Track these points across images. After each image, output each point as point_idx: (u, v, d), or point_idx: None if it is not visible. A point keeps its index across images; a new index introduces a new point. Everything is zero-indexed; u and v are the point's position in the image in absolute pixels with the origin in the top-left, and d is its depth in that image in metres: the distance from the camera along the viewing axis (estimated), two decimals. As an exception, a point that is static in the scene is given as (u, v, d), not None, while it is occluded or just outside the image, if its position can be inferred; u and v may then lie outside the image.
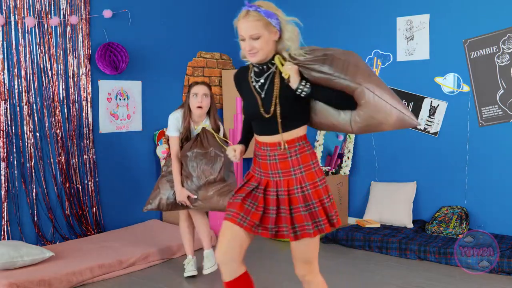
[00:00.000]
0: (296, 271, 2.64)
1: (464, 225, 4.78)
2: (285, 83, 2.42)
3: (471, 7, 5.01)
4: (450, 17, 5.13)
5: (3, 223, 4.34)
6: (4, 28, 4.36)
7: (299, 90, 2.39)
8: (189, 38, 5.93)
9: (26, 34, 4.48)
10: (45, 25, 4.59)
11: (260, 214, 2.44)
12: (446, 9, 5.16)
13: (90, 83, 4.91)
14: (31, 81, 4.52)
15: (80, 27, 4.83)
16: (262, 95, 2.47)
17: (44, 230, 4.60)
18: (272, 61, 2.48)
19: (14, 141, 4.42)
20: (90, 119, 4.92)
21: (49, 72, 4.63)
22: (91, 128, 4.93)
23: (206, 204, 3.81)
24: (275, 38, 2.45)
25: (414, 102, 5.38)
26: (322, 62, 2.40)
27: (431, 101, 5.27)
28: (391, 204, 5.27)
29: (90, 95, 4.92)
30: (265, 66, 2.48)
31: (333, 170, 5.69)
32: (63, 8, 4.70)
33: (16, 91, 4.44)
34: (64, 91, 4.73)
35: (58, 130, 4.68)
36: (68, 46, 4.75)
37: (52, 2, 4.63)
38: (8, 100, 4.39)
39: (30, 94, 4.51)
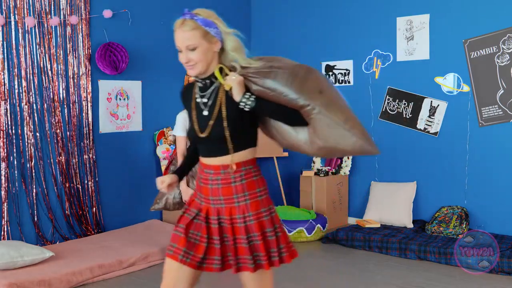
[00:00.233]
0: None
1: (464, 225, 4.78)
2: (231, 99, 2.18)
3: (471, 7, 5.01)
4: (450, 17, 5.13)
5: (3, 223, 4.34)
6: (4, 28, 4.36)
7: (242, 103, 2.15)
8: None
9: (26, 34, 4.48)
10: (45, 25, 4.59)
11: (204, 247, 2.25)
12: (446, 9, 5.16)
13: (90, 83, 4.91)
14: (31, 81, 4.52)
15: (80, 27, 4.83)
16: (205, 112, 2.24)
17: (44, 230, 4.60)
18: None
19: (14, 141, 4.42)
20: (90, 119, 4.92)
21: (49, 72, 4.63)
22: (91, 128, 4.93)
23: None
24: (215, 49, 2.20)
25: (414, 102, 5.38)
26: (264, 75, 2.16)
27: (431, 101, 5.27)
28: (391, 204, 5.27)
29: (90, 95, 4.92)
30: (208, 81, 2.24)
31: (333, 170, 5.69)
32: (63, 8, 4.70)
33: (16, 91, 4.44)
34: (64, 91, 4.73)
35: (58, 130, 4.68)
36: (68, 46, 4.75)
37: (52, 2, 4.63)
38: (8, 100, 4.39)
39: (30, 94, 4.51)
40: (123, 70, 5.07)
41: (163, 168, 5.43)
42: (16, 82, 4.43)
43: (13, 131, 4.41)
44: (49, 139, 4.63)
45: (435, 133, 5.25)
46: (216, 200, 2.24)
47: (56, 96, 4.67)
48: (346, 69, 5.87)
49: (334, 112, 2.18)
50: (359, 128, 2.19)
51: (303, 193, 5.66)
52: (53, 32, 4.65)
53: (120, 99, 5.20)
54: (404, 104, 5.44)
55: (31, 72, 4.52)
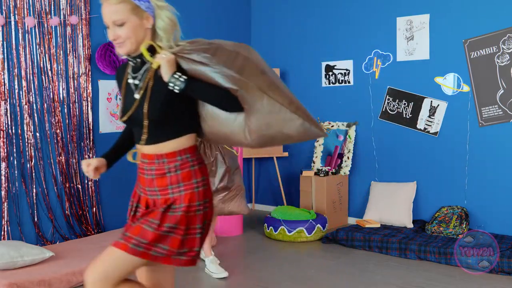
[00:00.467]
0: None
1: (464, 225, 4.78)
2: (161, 80, 2.01)
3: (471, 7, 5.01)
4: (450, 17, 5.13)
5: (3, 223, 4.34)
6: (4, 28, 4.36)
7: (171, 84, 1.96)
8: (189, 38, 5.91)
9: (26, 34, 4.48)
10: (45, 25, 4.59)
11: None
12: (446, 9, 5.16)
13: (90, 83, 4.91)
14: (31, 81, 4.52)
15: (80, 27, 4.83)
16: (135, 95, 2.05)
17: (44, 230, 4.60)
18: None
19: (14, 141, 4.42)
20: (90, 119, 4.92)
21: (49, 72, 4.63)
22: (91, 128, 4.93)
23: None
24: (147, 25, 2.05)
25: (414, 102, 5.38)
26: (203, 51, 2.03)
27: (431, 101, 5.27)
28: (391, 204, 5.27)
29: (90, 95, 4.92)
30: (139, 60, 2.06)
31: (333, 170, 5.69)
32: (63, 8, 4.70)
33: (16, 91, 4.43)
34: (64, 91, 4.73)
35: (58, 130, 4.68)
36: (68, 46, 4.75)
37: (52, 2, 4.63)
38: (8, 100, 4.38)
39: (30, 94, 4.51)
40: (123, 70, 5.06)
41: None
42: (16, 82, 4.43)
43: (13, 131, 4.41)
44: (49, 139, 4.63)
45: (435, 133, 5.26)
46: (152, 191, 2.10)
47: (56, 96, 4.67)
48: (346, 69, 5.87)
49: (278, 94, 1.96)
50: (304, 110, 1.99)
51: (303, 193, 5.66)
52: (53, 32, 4.65)
53: (120, 99, 5.20)
54: (404, 104, 5.44)
55: (31, 72, 4.51)
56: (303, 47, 6.22)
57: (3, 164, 4.34)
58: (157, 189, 2.08)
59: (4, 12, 4.35)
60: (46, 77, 4.62)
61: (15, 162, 4.42)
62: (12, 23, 4.40)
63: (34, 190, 4.52)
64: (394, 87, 5.51)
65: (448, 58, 5.15)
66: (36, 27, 4.53)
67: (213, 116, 2.05)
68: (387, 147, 5.60)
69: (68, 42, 4.75)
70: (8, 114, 4.38)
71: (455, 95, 5.14)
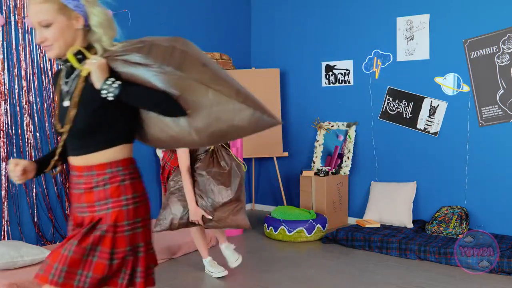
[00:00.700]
0: None
1: (464, 225, 4.78)
2: (92, 87, 1.83)
3: (471, 7, 5.01)
4: (450, 17, 5.14)
5: (3, 223, 4.34)
6: (4, 28, 4.36)
7: (104, 92, 1.78)
8: (189, 38, 5.86)
9: (26, 34, 4.48)
10: (45, 25, 4.59)
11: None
12: (446, 9, 5.16)
13: (90, 83, 4.91)
14: (31, 81, 4.52)
15: (80, 27, 4.83)
16: (65, 102, 1.88)
17: (44, 230, 4.60)
18: (79, 56, 1.88)
19: (14, 141, 4.42)
20: (90, 119, 4.92)
21: (49, 72, 4.63)
22: (91, 128, 4.92)
23: (219, 224, 3.69)
24: (77, 26, 1.89)
25: (414, 102, 5.38)
26: (137, 51, 1.87)
27: (431, 101, 5.27)
28: (391, 204, 5.27)
29: (90, 95, 4.92)
30: (69, 64, 1.90)
31: (333, 170, 5.69)
32: (63, 8, 4.70)
33: (16, 91, 4.43)
34: (64, 91, 4.73)
35: (58, 130, 4.68)
36: (68, 46, 4.75)
37: (52, 2, 4.63)
38: (8, 100, 4.38)
39: (30, 94, 4.51)
40: (123, 70, 5.06)
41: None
42: (16, 82, 4.43)
43: (13, 131, 4.41)
44: (49, 139, 4.63)
45: (435, 133, 5.26)
46: (81, 207, 1.89)
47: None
48: (346, 69, 5.87)
49: (223, 85, 1.81)
50: (253, 99, 1.84)
51: (303, 193, 5.66)
52: (53, 32, 4.65)
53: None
54: (404, 104, 5.44)
55: (31, 72, 4.51)
56: (303, 47, 6.22)
57: (3, 164, 4.34)
58: (85, 205, 1.87)
59: (4, 12, 4.35)
60: (46, 77, 4.62)
61: (15, 162, 4.42)
62: (12, 23, 4.40)
63: (34, 190, 4.52)
64: (394, 87, 5.51)
65: (448, 58, 5.15)
66: (36, 27, 4.53)
67: (156, 121, 1.88)
68: (387, 147, 5.60)
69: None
70: (8, 114, 4.38)
71: (455, 95, 5.14)
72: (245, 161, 6.59)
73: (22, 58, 4.46)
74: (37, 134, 4.55)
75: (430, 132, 5.29)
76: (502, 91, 4.86)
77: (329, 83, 6.02)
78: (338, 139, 5.86)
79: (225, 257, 4.05)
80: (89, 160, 1.86)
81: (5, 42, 4.36)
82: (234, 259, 4.01)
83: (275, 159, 6.23)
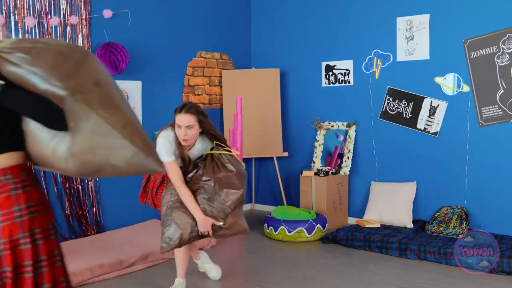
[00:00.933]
0: None
1: (464, 225, 4.78)
2: None
3: (471, 7, 5.01)
4: (450, 17, 5.13)
5: (3, 223, 4.34)
6: (4, 28, 4.35)
7: None
8: (189, 38, 5.93)
9: (26, 34, 4.48)
10: (45, 25, 4.59)
11: None
12: (446, 9, 5.16)
13: (90, 83, 4.91)
14: (31, 81, 4.52)
15: (80, 27, 4.83)
16: None
17: (44, 230, 4.60)
18: None
19: (14, 141, 4.42)
20: (90, 119, 4.91)
21: (49, 72, 4.63)
22: (91, 128, 4.92)
23: (229, 231, 3.45)
24: None
25: (414, 102, 5.38)
26: (24, 51, 1.62)
27: (431, 101, 5.27)
28: (391, 204, 5.27)
29: (90, 95, 4.92)
30: None
31: (333, 170, 5.69)
32: (63, 8, 4.70)
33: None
34: (64, 91, 4.73)
35: (58, 130, 4.67)
36: (68, 46, 4.75)
37: (52, 2, 4.63)
38: (8, 100, 4.38)
39: (30, 94, 4.51)
40: (123, 70, 5.07)
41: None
42: (16, 82, 4.43)
43: (13, 131, 4.41)
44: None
45: (435, 133, 5.25)
46: None
47: (56, 96, 4.66)
48: (346, 69, 5.87)
49: (111, 113, 1.61)
50: (141, 137, 1.64)
51: (303, 193, 5.66)
52: (53, 32, 4.65)
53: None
54: (404, 104, 5.44)
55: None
56: (303, 47, 6.22)
57: (3, 164, 4.34)
58: None
59: (4, 12, 4.35)
60: (46, 77, 4.61)
61: (15, 162, 4.42)
62: (12, 23, 4.40)
63: (34, 190, 4.52)
64: (394, 87, 5.51)
65: (448, 58, 5.15)
66: (36, 27, 4.53)
67: (33, 134, 1.70)
68: (387, 147, 5.60)
69: (68, 42, 4.75)
70: (8, 114, 4.38)
71: (455, 95, 5.14)
72: (245, 161, 6.59)
73: (22, 58, 4.46)
74: (37, 134, 4.55)
75: (430, 132, 5.29)
76: (502, 91, 4.86)
77: (329, 83, 6.02)
78: (338, 139, 5.86)
79: (206, 271, 3.90)
80: None
81: (5, 42, 4.36)
82: (215, 272, 3.87)
83: (275, 159, 6.23)
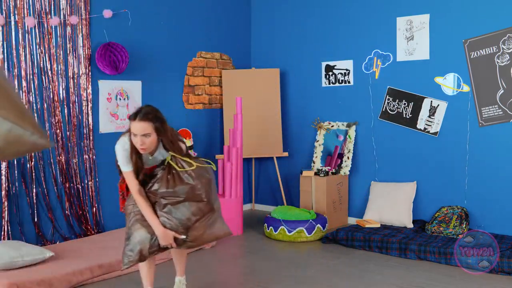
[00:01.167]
0: None
1: (464, 225, 4.78)
2: None
3: (471, 7, 5.01)
4: (450, 17, 5.13)
5: (3, 223, 4.34)
6: (4, 28, 4.36)
7: None
8: (189, 38, 5.93)
9: (26, 34, 4.48)
10: (45, 25, 4.59)
11: None
12: (446, 9, 5.16)
13: (90, 83, 4.91)
14: (31, 81, 4.52)
15: (80, 27, 4.83)
16: None
17: (44, 230, 4.60)
18: None
19: (14, 141, 4.41)
20: (90, 119, 4.92)
21: (49, 72, 4.63)
22: (91, 128, 4.93)
23: (196, 243, 3.23)
24: None
25: (414, 102, 5.38)
26: None
27: (431, 101, 5.27)
28: (391, 204, 5.27)
29: (90, 95, 4.92)
30: None
31: (333, 170, 5.69)
32: (63, 8, 4.70)
33: (16, 91, 4.43)
34: (64, 91, 4.73)
35: (58, 130, 4.68)
36: (68, 46, 4.75)
37: (52, 2, 4.63)
38: (8, 100, 4.38)
39: (30, 94, 4.51)
40: (123, 70, 5.07)
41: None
42: (16, 82, 4.43)
43: (13, 131, 4.41)
44: (48, 139, 4.63)
45: (435, 133, 5.25)
46: None
47: (56, 96, 4.67)
48: (346, 69, 5.87)
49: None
50: (20, 113, 1.57)
51: (303, 193, 5.66)
52: (53, 32, 4.65)
53: (120, 99, 5.20)
54: (404, 104, 5.44)
55: (31, 72, 4.51)
56: (303, 47, 6.22)
57: (3, 164, 4.34)
58: None
59: (4, 12, 4.35)
60: (46, 77, 4.62)
61: (15, 162, 4.42)
62: (12, 23, 4.40)
63: (34, 190, 4.52)
64: (394, 87, 5.51)
65: (448, 58, 5.15)
66: (36, 27, 4.53)
67: None
68: (387, 147, 5.60)
69: (68, 42, 4.75)
70: (8, 114, 4.37)
71: (455, 95, 5.14)
72: (245, 161, 6.59)
73: (22, 58, 4.46)
74: (37, 134, 4.55)
75: (430, 132, 5.29)
76: (502, 91, 4.86)
77: (329, 83, 6.02)
78: (338, 139, 5.86)
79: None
80: None
81: (5, 42, 4.36)
82: None
83: (275, 159, 6.23)
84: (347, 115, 5.87)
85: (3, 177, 4.34)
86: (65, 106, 4.74)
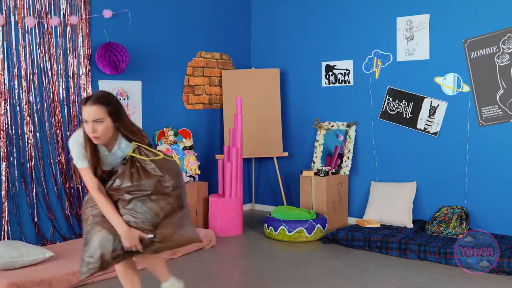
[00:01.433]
0: None
1: (464, 225, 4.78)
2: None
3: (471, 7, 5.01)
4: (450, 17, 5.13)
5: (3, 223, 4.34)
6: (4, 28, 4.36)
7: None
8: (189, 38, 5.93)
9: (26, 34, 4.48)
10: (45, 25, 4.59)
11: None
12: (446, 9, 5.16)
13: (90, 83, 4.91)
14: (31, 81, 4.52)
15: (80, 27, 4.83)
16: None
17: (44, 230, 4.60)
18: None
19: (14, 141, 4.42)
20: (90, 119, 4.91)
21: (49, 72, 4.63)
22: (91, 128, 4.92)
23: (166, 245, 2.82)
24: None
25: (414, 102, 5.38)
26: None
27: (431, 101, 5.27)
28: (391, 204, 5.27)
29: (90, 95, 4.92)
30: None
31: (333, 170, 5.69)
32: (63, 8, 4.70)
33: (16, 91, 4.43)
34: (64, 91, 4.73)
35: (58, 130, 4.68)
36: (68, 46, 4.75)
37: (52, 2, 4.63)
38: (8, 100, 4.38)
39: (30, 94, 4.51)
40: (123, 70, 5.07)
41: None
42: (16, 82, 4.43)
43: (13, 131, 4.41)
44: (49, 139, 4.63)
45: (435, 133, 5.25)
46: None
47: (56, 96, 4.67)
48: (346, 69, 5.87)
49: None
50: None
51: (303, 193, 5.66)
52: (53, 32, 4.65)
53: (120, 99, 5.20)
54: (404, 104, 5.44)
55: (31, 72, 4.51)
56: (303, 47, 6.22)
57: (3, 164, 4.34)
58: None
59: (4, 12, 4.35)
60: (46, 77, 4.62)
61: (15, 162, 4.42)
62: (12, 23, 4.40)
63: (34, 190, 4.52)
64: (394, 87, 5.51)
65: (448, 58, 5.15)
66: (36, 27, 4.53)
67: None
68: (387, 147, 5.60)
69: (68, 42, 4.75)
70: (8, 114, 4.38)
71: (455, 95, 5.14)
72: (245, 161, 6.59)
73: (22, 58, 4.46)
74: (37, 134, 4.55)
75: (430, 132, 5.29)
76: (502, 91, 4.86)
77: (329, 83, 6.02)
78: (338, 139, 5.86)
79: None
80: None
81: (5, 42, 4.36)
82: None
83: (275, 159, 6.23)
84: (347, 115, 5.87)
85: (3, 177, 4.34)
86: (65, 106, 4.74)
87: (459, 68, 5.09)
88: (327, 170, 5.60)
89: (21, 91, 4.46)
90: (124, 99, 5.25)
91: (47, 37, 4.61)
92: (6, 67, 4.37)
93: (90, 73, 4.91)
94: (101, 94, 2.76)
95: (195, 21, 5.98)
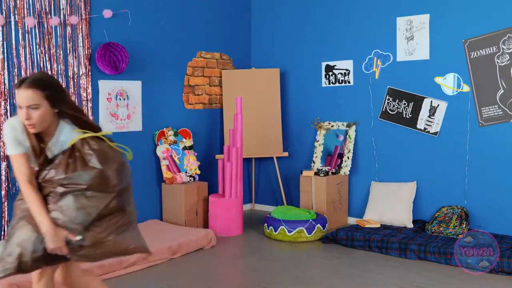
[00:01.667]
0: None
1: (464, 225, 4.78)
2: None
3: (471, 7, 5.01)
4: (450, 17, 5.14)
5: (3, 223, 4.34)
6: (4, 28, 4.36)
7: None
8: (189, 38, 5.93)
9: (26, 34, 4.48)
10: (45, 25, 4.59)
11: None
12: (446, 9, 5.16)
13: (90, 83, 4.91)
14: (31, 81, 4.51)
15: (80, 27, 4.83)
16: None
17: (44, 230, 4.59)
18: None
19: (14, 141, 4.41)
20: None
21: (49, 72, 4.63)
22: (91, 128, 4.92)
23: (96, 251, 2.39)
24: None
25: (414, 102, 5.38)
26: None
27: (431, 101, 5.27)
28: (391, 204, 5.27)
29: (90, 95, 4.92)
30: None
31: (333, 170, 5.69)
32: (63, 8, 4.70)
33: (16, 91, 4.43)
34: (64, 91, 4.73)
35: (58, 130, 4.67)
36: (68, 46, 4.75)
37: (52, 2, 4.63)
38: (8, 100, 4.38)
39: (30, 94, 4.51)
40: (123, 70, 5.07)
41: (163, 168, 5.44)
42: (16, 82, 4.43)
43: (13, 131, 4.41)
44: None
45: (435, 133, 5.25)
46: None
47: (56, 96, 4.66)
48: (346, 69, 5.87)
49: None
50: None
51: (303, 193, 5.66)
52: (53, 32, 4.65)
53: (120, 99, 5.20)
54: (404, 104, 5.44)
55: (31, 72, 4.51)
56: (303, 47, 6.22)
57: (3, 164, 4.34)
58: None
59: (4, 12, 4.35)
60: (46, 77, 4.61)
61: (15, 162, 4.41)
62: (12, 23, 4.40)
63: (34, 190, 4.51)
64: (394, 87, 5.51)
65: (448, 58, 5.15)
66: (36, 27, 4.53)
67: None
68: (387, 147, 5.60)
69: (68, 42, 4.75)
70: (8, 114, 4.38)
71: (455, 95, 5.14)
72: (245, 161, 6.59)
73: (22, 58, 4.46)
74: (37, 134, 4.55)
75: (430, 132, 5.29)
76: (502, 91, 4.86)
77: (329, 83, 6.02)
78: (338, 139, 5.86)
79: None
80: None
81: (5, 42, 4.36)
82: None
83: (275, 159, 6.23)
84: (347, 115, 5.87)
85: (3, 177, 4.34)
86: (65, 106, 4.74)
87: (459, 68, 5.09)
88: (327, 170, 5.60)
89: (21, 91, 4.45)
90: (124, 99, 5.25)
91: (47, 37, 4.61)
92: (6, 67, 4.37)
93: (90, 73, 4.91)
94: (38, 76, 2.41)
95: (195, 21, 5.98)
